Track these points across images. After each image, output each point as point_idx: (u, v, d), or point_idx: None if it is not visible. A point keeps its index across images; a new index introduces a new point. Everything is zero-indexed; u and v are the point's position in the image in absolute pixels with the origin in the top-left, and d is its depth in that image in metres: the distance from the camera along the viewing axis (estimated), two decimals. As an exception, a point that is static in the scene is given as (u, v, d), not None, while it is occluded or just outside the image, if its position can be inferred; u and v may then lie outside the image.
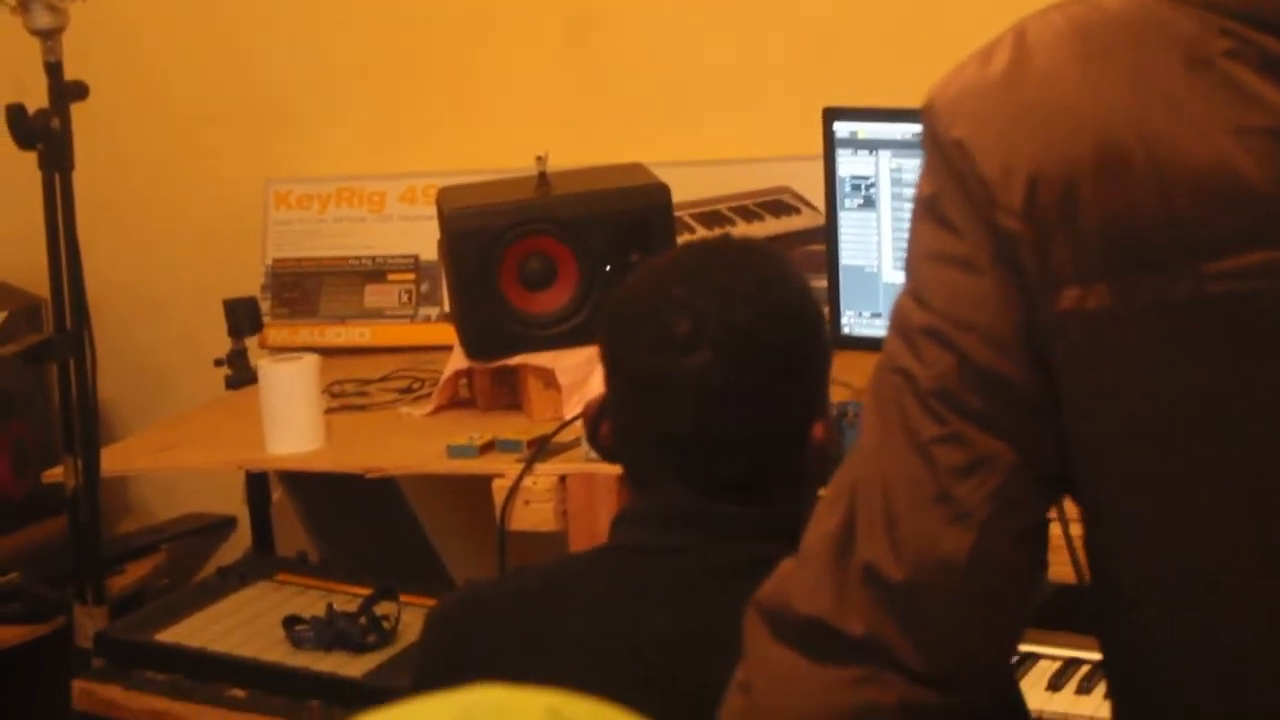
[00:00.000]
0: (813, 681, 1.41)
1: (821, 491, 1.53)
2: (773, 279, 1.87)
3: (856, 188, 3.06)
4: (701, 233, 3.41)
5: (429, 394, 3.25)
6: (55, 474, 3.12)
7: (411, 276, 3.63)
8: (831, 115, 3.07)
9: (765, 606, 1.44)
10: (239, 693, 2.74)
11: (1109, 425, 1.37)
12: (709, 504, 1.81)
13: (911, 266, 1.42)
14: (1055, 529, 1.47)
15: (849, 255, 3.08)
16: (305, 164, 3.75)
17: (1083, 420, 1.37)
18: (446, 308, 3.44)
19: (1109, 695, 1.55)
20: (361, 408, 3.28)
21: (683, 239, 3.18)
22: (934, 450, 1.38)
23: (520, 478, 2.81)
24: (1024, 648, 2.53)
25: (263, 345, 3.57)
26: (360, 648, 2.76)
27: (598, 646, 1.78)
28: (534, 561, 2.01)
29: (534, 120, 3.60)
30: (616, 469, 1.96)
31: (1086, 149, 1.33)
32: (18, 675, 3.43)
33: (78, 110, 3.00)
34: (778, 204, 3.48)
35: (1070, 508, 1.47)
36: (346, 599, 2.87)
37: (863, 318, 3.08)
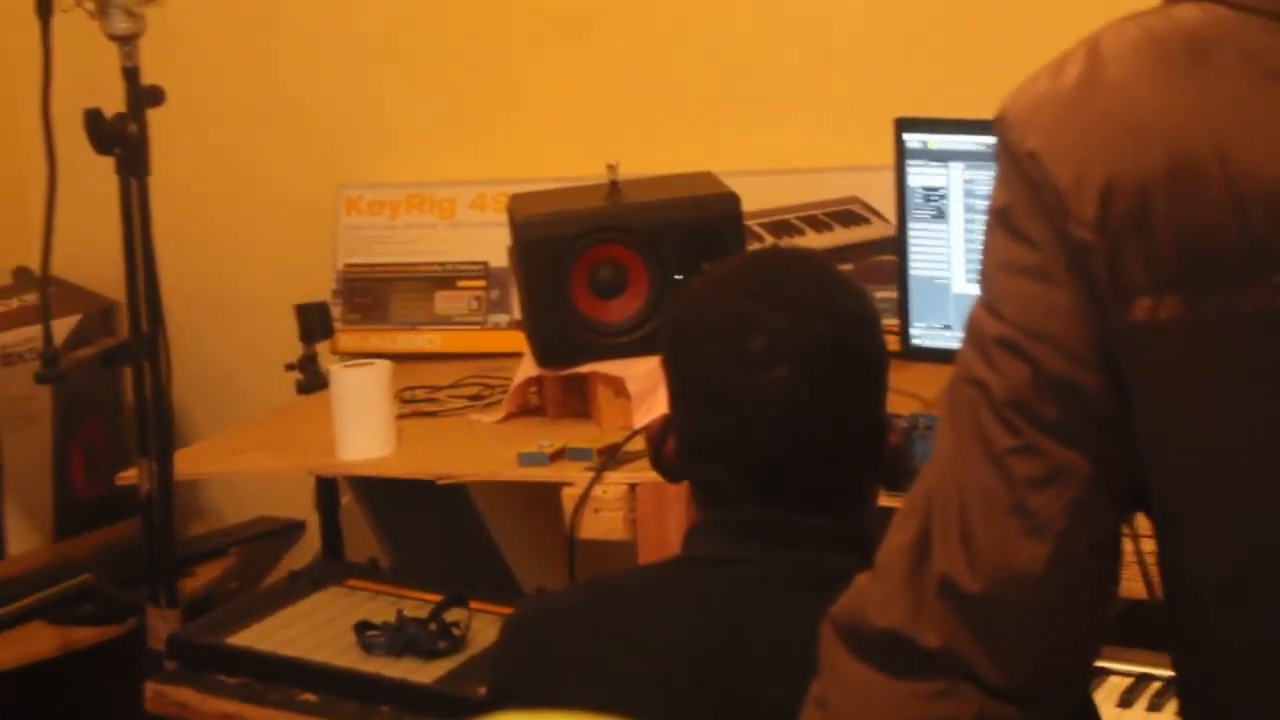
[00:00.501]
0: (889, 696, 1.41)
1: (892, 502, 1.53)
2: (836, 288, 1.88)
3: (928, 199, 3.05)
4: (770, 242, 3.41)
5: (499, 401, 3.26)
6: (128, 476, 3.14)
7: (482, 283, 3.64)
8: (902, 126, 3.07)
9: (841, 621, 1.44)
10: (310, 697, 2.75)
11: (1180, 437, 1.37)
12: (784, 516, 1.81)
13: (986, 277, 1.42)
14: (1126, 544, 1.46)
15: (919, 267, 3.08)
16: (377, 170, 3.77)
17: (1155, 431, 1.37)
18: (516, 314, 3.45)
19: (1180, 713, 1.54)
20: (432, 414, 3.29)
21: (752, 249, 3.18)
22: (1009, 461, 1.38)
23: (590, 486, 2.81)
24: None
25: (334, 350, 3.59)
26: (430, 654, 2.76)
27: (672, 658, 1.79)
28: (608, 571, 2.01)
29: (605, 128, 3.61)
30: (686, 478, 1.96)
31: (1160, 160, 1.33)
32: (90, 676, 3.45)
33: (154, 115, 3.02)
34: (847, 214, 3.47)
35: (1142, 522, 1.47)
36: (417, 605, 2.88)
37: (933, 329, 3.07)
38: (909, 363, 2.97)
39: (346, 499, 3.57)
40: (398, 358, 3.35)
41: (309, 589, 3.04)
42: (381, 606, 2.93)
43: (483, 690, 2.08)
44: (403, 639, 2.78)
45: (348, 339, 3.65)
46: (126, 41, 3.00)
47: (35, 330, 3.21)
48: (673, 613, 1.82)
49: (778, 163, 3.49)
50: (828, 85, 3.49)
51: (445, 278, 3.65)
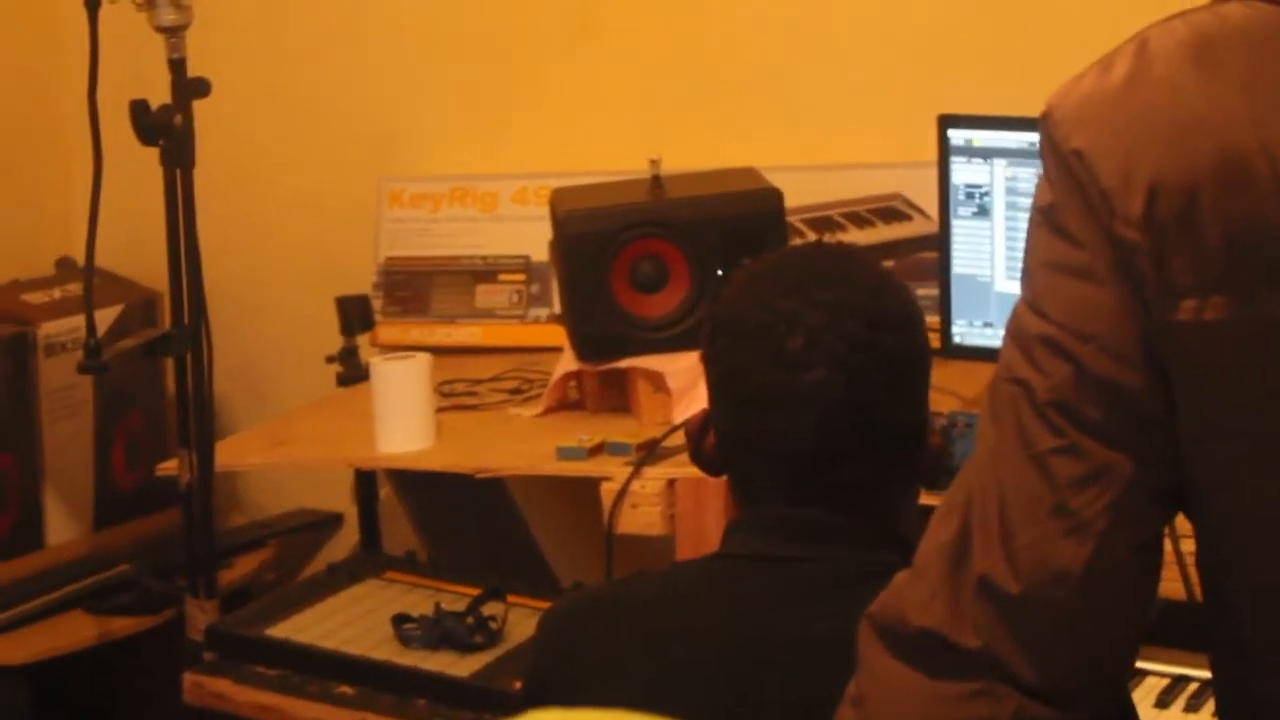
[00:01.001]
0: (926, 695, 1.40)
1: (933, 500, 1.52)
2: (878, 287, 1.86)
3: (970, 196, 3.04)
4: (812, 238, 3.41)
5: (538, 395, 3.26)
6: (168, 467, 3.15)
7: (522, 277, 3.64)
8: (946, 122, 3.06)
9: (879, 620, 1.44)
10: (347, 690, 2.75)
11: (1224, 437, 1.36)
12: (818, 514, 1.81)
13: (1029, 275, 1.41)
14: (1165, 545, 1.46)
15: (961, 264, 3.07)
16: (419, 163, 3.77)
17: (1199, 431, 1.37)
18: (557, 309, 3.45)
19: (1217, 714, 1.54)
20: (471, 408, 3.30)
21: (793, 244, 3.18)
22: (1051, 461, 1.37)
23: (629, 481, 2.81)
24: (1131, 663, 2.50)
25: (374, 343, 3.59)
26: (467, 647, 2.77)
27: (709, 655, 1.78)
28: (646, 567, 2.01)
29: (647, 123, 3.61)
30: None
31: (1207, 159, 1.32)
32: (128, 666, 3.46)
33: (198, 107, 3.03)
34: (889, 210, 3.47)
35: (1181, 523, 1.46)
36: (454, 599, 2.89)
37: (974, 327, 3.06)
38: (949, 360, 2.96)
39: (385, 492, 3.58)
40: (438, 351, 3.35)
41: (347, 581, 3.05)
42: (419, 599, 2.93)
43: (519, 684, 2.08)
44: (440, 632, 2.79)
45: (388, 332, 3.65)
46: (173, 33, 3.01)
47: (78, 320, 3.23)
48: (710, 609, 1.82)
49: (820, 158, 3.49)
50: (872, 81, 3.49)
51: (486, 271, 3.66)
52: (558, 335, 3.27)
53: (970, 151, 3.04)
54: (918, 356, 1.86)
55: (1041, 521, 1.38)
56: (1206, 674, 1.61)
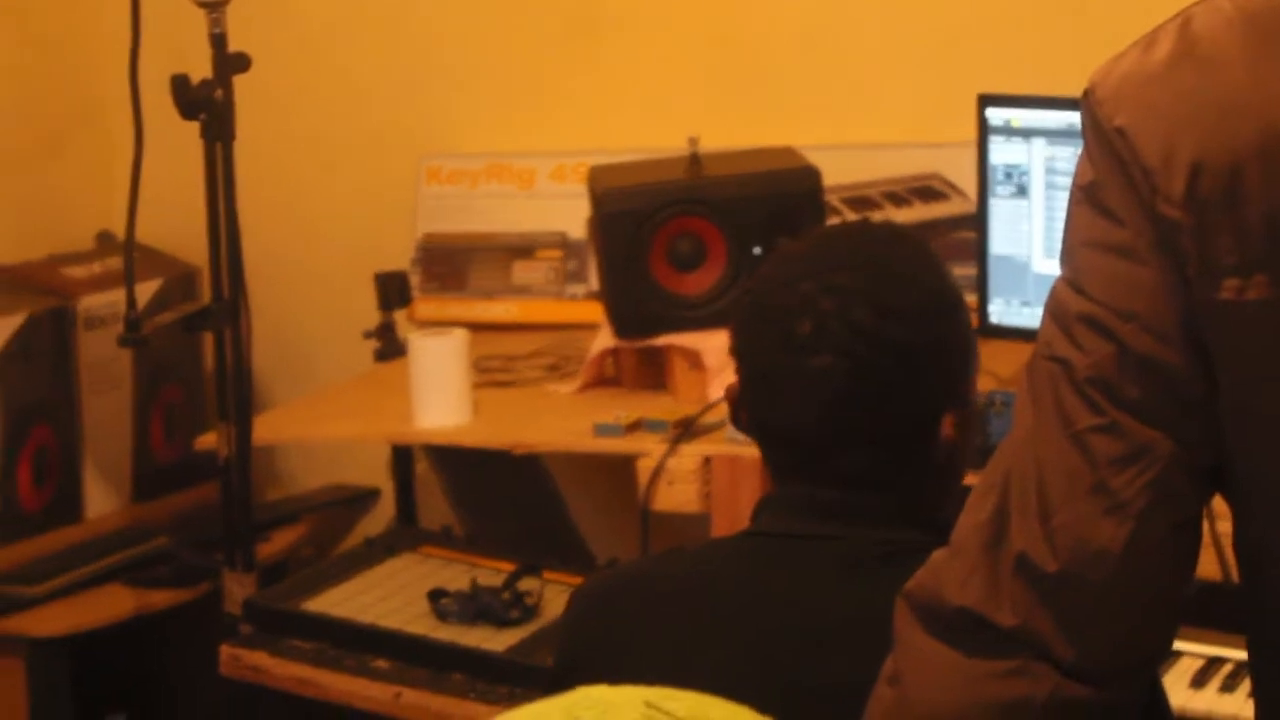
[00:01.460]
0: (963, 673, 1.40)
1: (971, 480, 1.52)
2: (904, 275, 1.82)
3: (1009, 175, 3.04)
4: (850, 217, 3.40)
5: (575, 371, 3.26)
6: (206, 440, 3.17)
7: (559, 254, 3.64)
8: (985, 102, 3.05)
9: (916, 598, 1.44)
10: (383, 664, 2.76)
11: (1266, 417, 1.36)
12: (837, 494, 1.80)
13: (1069, 254, 1.41)
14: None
15: (999, 244, 3.07)
16: (458, 140, 3.77)
17: (1239, 410, 1.36)
18: (594, 286, 3.46)
19: (1253, 695, 1.53)
20: (508, 384, 3.30)
21: (831, 223, 3.17)
22: (1090, 440, 1.37)
23: (665, 458, 2.82)
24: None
25: (411, 319, 3.60)
26: (503, 622, 2.77)
27: (740, 632, 1.79)
28: (682, 543, 2.01)
29: (685, 101, 3.61)
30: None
31: (1251, 138, 1.32)
32: (165, 639, 3.48)
33: (238, 82, 3.04)
34: (927, 190, 3.46)
35: (1218, 504, 1.46)
36: (490, 574, 2.89)
37: (1011, 306, 3.06)
38: (987, 340, 2.95)
39: (421, 467, 3.59)
40: (475, 327, 3.35)
41: (384, 555, 3.05)
42: (455, 574, 2.94)
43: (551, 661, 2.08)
44: (476, 607, 2.80)
45: (426, 308, 3.66)
46: (214, 8, 3.02)
47: (118, 294, 3.24)
48: (740, 586, 1.82)
49: (859, 138, 3.48)
50: (911, 60, 3.48)
51: (523, 248, 3.66)
52: (594, 312, 3.28)
53: (1009, 131, 3.03)
54: (934, 349, 1.81)
55: (1080, 500, 1.37)
56: (1242, 655, 1.61)
